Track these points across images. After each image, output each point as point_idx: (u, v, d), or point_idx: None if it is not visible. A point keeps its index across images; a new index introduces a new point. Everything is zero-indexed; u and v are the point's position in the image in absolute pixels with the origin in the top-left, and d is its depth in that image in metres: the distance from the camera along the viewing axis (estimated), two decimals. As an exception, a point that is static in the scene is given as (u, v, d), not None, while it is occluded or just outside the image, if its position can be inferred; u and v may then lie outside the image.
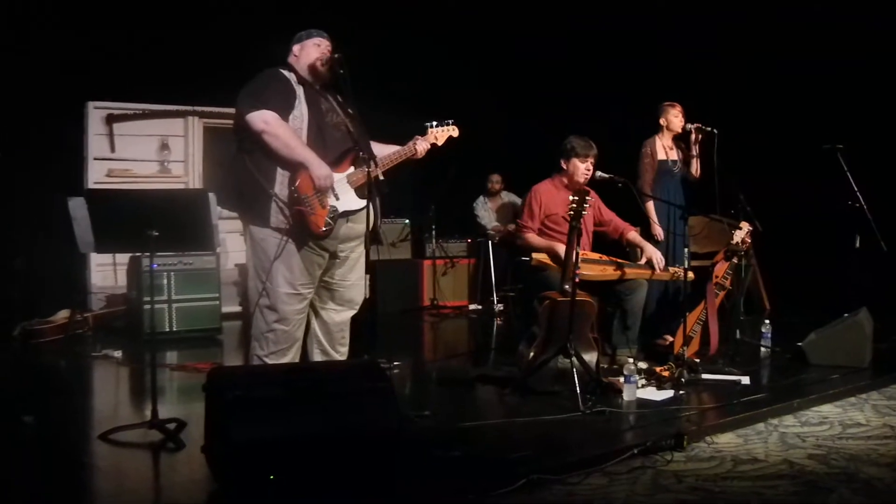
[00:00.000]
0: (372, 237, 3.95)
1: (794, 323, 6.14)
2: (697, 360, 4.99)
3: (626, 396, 4.37)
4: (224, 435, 3.02)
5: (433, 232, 8.53)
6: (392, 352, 5.46)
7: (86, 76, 7.10)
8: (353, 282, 4.12)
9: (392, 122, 4.59)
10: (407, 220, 8.75)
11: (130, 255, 6.51)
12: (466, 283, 8.79)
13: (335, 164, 3.88)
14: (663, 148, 5.97)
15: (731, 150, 5.59)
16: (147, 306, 4.34)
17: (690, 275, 5.02)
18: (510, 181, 8.76)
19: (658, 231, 5.79)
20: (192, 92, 7.61)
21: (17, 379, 5.39)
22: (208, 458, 3.28)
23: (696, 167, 5.99)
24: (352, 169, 3.95)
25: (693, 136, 5.92)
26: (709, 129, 5.76)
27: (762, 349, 5.64)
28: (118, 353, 5.87)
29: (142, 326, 5.61)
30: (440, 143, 4.24)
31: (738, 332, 5.62)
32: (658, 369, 4.79)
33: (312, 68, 3.97)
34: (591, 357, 4.57)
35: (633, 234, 5.53)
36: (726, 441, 3.89)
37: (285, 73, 3.95)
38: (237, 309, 7.26)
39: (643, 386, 4.59)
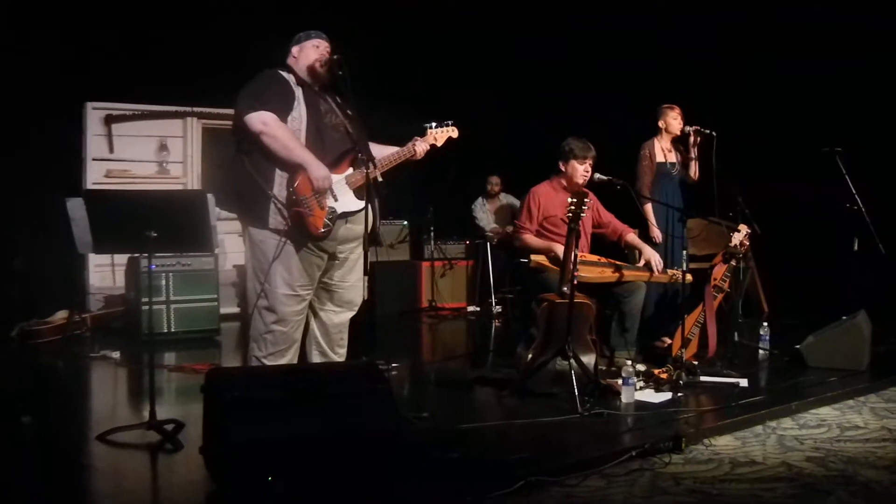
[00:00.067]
0: (372, 239, 3.94)
1: (792, 325, 6.16)
2: (696, 363, 5.00)
3: (624, 398, 4.36)
4: (222, 436, 3.02)
5: (432, 233, 8.54)
6: (390, 353, 5.45)
7: (85, 76, 7.10)
8: (352, 283, 4.12)
9: (391, 122, 4.59)
10: (405, 222, 8.76)
11: (129, 255, 6.52)
12: (465, 284, 8.80)
13: (334, 165, 3.88)
14: (662, 150, 5.97)
15: (730, 151, 5.59)
16: (145, 307, 4.33)
17: (689, 277, 5.02)
18: (509, 183, 8.77)
19: (656, 233, 5.79)
20: (190, 93, 7.62)
21: (16, 379, 5.38)
22: (206, 459, 3.28)
23: (694, 170, 5.99)
24: (350, 170, 3.95)
25: (692, 139, 5.92)
26: (707, 131, 5.76)
27: (760, 351, 5.65)
28: (116, 354, 5.87)
29: (140, 327, 5.58)
30: (439, 143, 4.23)
31: (736, 334, 5.63)
32: (656, 371, 4.79)
33: (311, 69, 3.97)
34: (589, 359, 4.57)
35: (632, 236, 5.53)
36: (724, 443, 3.89)
37: (284, 74, 3.95)
38: (235, 310, 7.26)
39: (641, 388, 4.59)
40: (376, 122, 4.22)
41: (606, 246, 5.60)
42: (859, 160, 5.99)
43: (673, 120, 5.95)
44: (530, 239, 5.28)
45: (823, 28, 6.77)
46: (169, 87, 7.41)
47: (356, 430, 3.16)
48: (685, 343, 4.94)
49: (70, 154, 7.36)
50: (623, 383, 4.39)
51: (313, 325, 4.15)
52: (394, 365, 5.33)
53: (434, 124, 4.22)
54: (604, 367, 5.01)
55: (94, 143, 7.54)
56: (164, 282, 6.43)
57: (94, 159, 7.53)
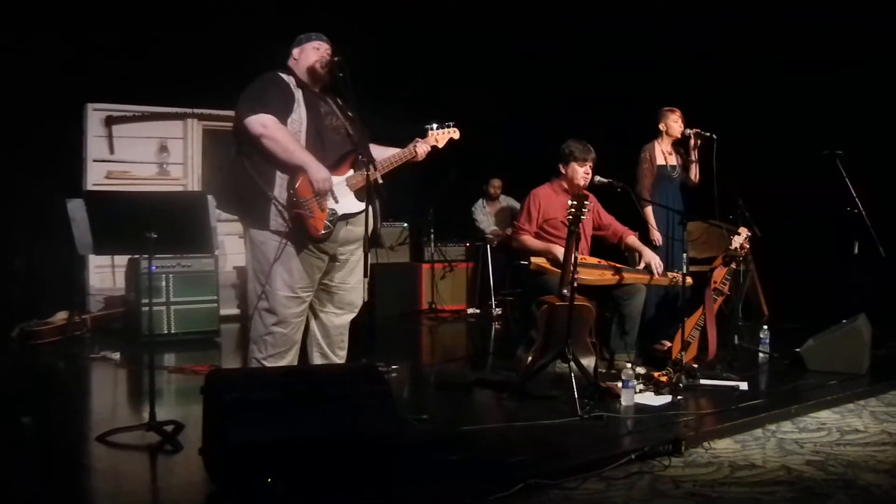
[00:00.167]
0: (373, 240, 3.94)
1: (792, 329, 6.16)
2: (695, 366, 5.00)
3: (624, 401, 4.36)
4: (222, 437, 3.02)
5: (432, 235, 8.53)
6: (390, 355, 5.43)
7: (85, 78, 7.10)
8: (353, 285, 4.12)
9: (392, 123, 4.59)
10: (406, 224, 8.75)
11: (129, 256, 6.52)
12: (465, 286, 8.80)
13: (334, 167, 3.88)
14: (662, 153, 5.97)
15: (731, 153, 5.59)
16: (145, 308, 4.34)
17: (689, 280, 5.02)
18: (510, 185, 8.77)
19: (657, 236, 5.79)
20: (191, 94, 7.62)
21: (16, 380, 5.39)
22: (206, 460, 3.28)
23: (695, 172, 5.99)
24: (351, 172, 3.95)
25: (692, 142, 5.92)
26: (708, 134, 5.76)
27: (760, 355, 5.65)
28: (116, 355, 5.87)
29: (140, 328, 5.58)
30: (440, 145, 4.23)
31: (736, 337, 5.63)
32: (656, 374, 4.79)
33: (311, 71, 3.97)
34: (589, 362, 4.57)
35: (632, 239, 5.52)
36: (724, 447, 3.89)
37: (284, 76, 3.95)
38: (235, 311, 7.27)
39: (641, 391, 4.59)
40: (377, 123, 4.21)
41: (606, 248, 5.60)
42: (860, 163, 5.99)
43: (673, 123, 5.95)
44: (528, 240, 5.28)
45: (823, 28, 6.77)
46: (169, 89, 7.42)
47: (356, 431, 3.16)
48: (685, 346, 4.94)
49: (70, 155, 7.36)
50: (623, 386, 4.39)
51: (314, 326, 4.15)
52: (394, 367, 5.32)
53: (435, 125, 4.22)
54: (603, 370, 5.01)
55: (95, 144, 7.54)
56: (164, 283, 6.43)
57: (94, 160, 7.53)
